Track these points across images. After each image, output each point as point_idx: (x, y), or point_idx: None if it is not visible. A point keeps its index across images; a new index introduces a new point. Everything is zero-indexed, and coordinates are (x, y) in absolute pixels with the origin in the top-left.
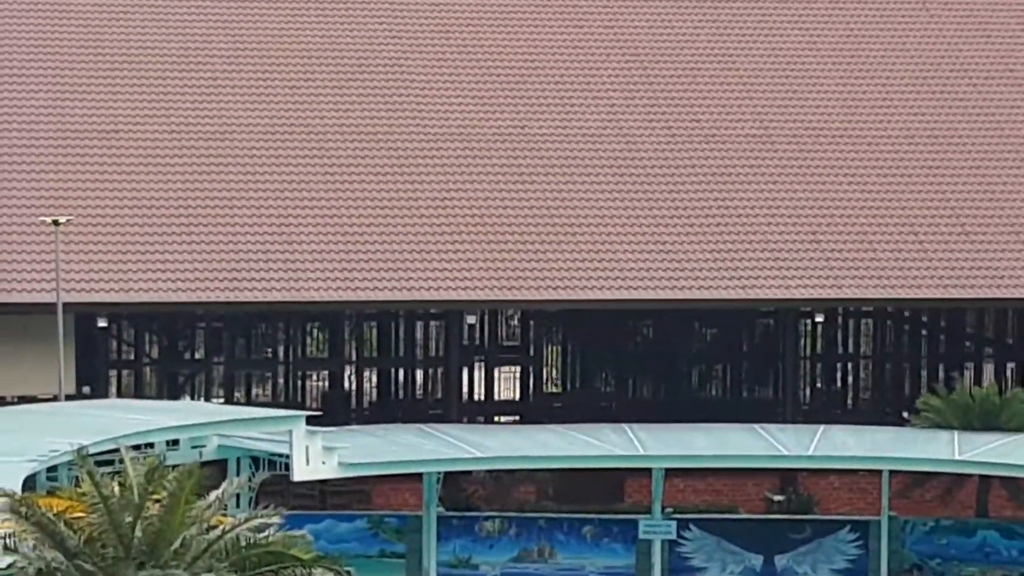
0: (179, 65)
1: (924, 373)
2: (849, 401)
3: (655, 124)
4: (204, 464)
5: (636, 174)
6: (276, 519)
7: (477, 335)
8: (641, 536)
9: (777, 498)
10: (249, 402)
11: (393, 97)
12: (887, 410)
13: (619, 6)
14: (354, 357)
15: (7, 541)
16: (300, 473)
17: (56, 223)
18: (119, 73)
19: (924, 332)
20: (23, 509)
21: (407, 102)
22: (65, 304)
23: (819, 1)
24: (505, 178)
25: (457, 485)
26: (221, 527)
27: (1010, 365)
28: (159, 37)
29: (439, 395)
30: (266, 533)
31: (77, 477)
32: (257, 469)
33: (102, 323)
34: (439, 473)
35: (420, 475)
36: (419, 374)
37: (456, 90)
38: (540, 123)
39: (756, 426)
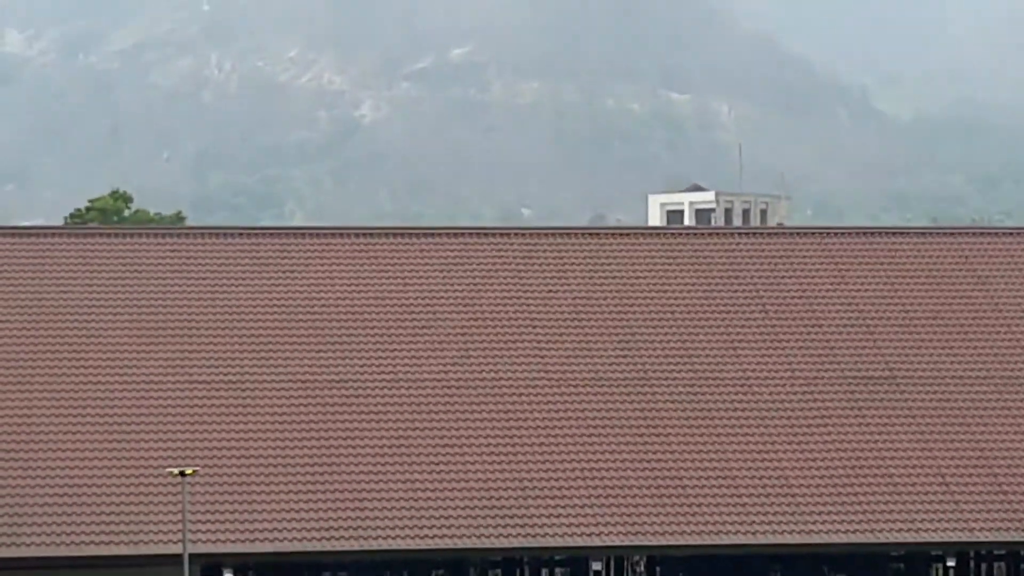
0: (299, 318)
1: None
2: None
3: (774, 364)
4: None
5: (755, 415)
6: None
7: None
8: None
9: None
10: None
11: (513, 348)
12: None
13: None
14: None
15: None
16: None
17: (183, 474)
18: (242, 327)
19: None
20: None
21: (530, 352)
22: (192, 555)
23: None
24: (632, 423)
25: None
26: None
27: None
28: (279, 292)
29: None
30: None
31: None
32: None
33: (228, 574)
34: None
35: None
36: None
37: (564, 340)
38: (663, 367)
39: None
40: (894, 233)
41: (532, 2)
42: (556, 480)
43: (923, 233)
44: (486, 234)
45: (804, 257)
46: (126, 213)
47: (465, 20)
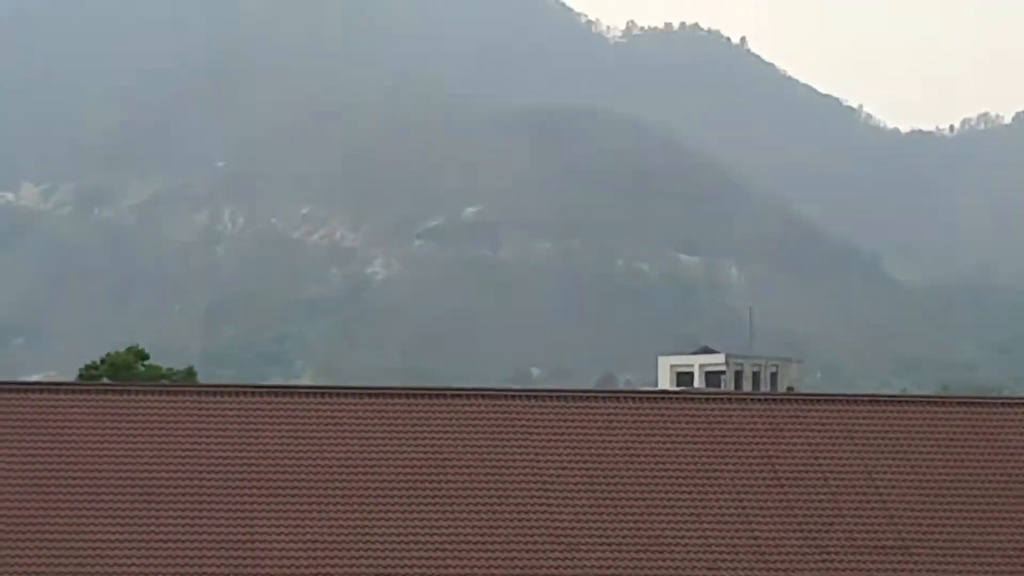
0: (307, 478)
1: None
2: None
3: (786, 532)
4: None
5: None
6: None
7: None
8: None
9: None
10: None
11: (524, 512)
12: None
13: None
14: None
15: None
16: None
17: None
18: (250, 486)
19: None
20: None
21: (540, 515)
22: None
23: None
24: None
25: None
26: None
27: None
28: (286, 451)
29: None
30: None
31: None
32: None
33: None
34: None
35: None
36: None
37: (574, 503)
38: (674, 534)
39: None
40: (905, 401)
41: (544, 163)
42: None
43: (935, 401)
44: (494, 396)
45: (815, 424)
46: (139, 369)
47: (478, 179)
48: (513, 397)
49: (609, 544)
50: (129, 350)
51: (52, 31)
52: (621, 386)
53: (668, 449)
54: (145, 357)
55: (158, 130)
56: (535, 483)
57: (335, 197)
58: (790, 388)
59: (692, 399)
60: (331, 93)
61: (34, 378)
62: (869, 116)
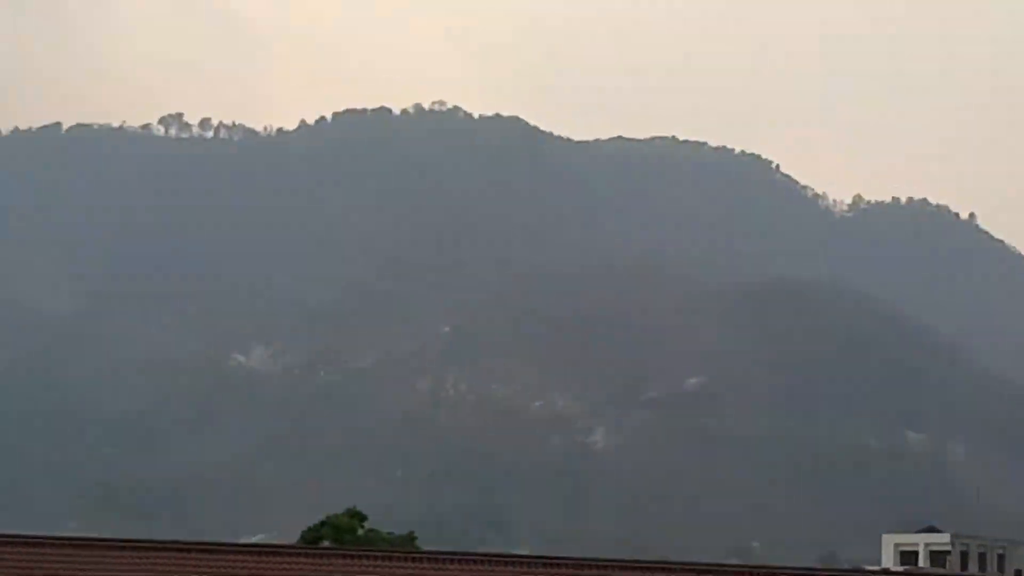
0: None
1: None
2: None
3: None
4: None
5: None
6: None
7: None
8: None
9: None
10: None
11: None
12: None
13: None
14: None
15: None
16: None
17: None
18: None
19: None
20: None
21: None
22: None
23: None
24: None
25: None
26: None
27: None
28: None
29: None
30: None
31: None
32: None
33: None
34: None
35: None
36: None
37: None
38: None
39: None
40: None
41: (767, 335)
42: None
43: None
44: (712, 571)
45: None
46: (359, 532)
47: (699, 350)
48: (732, 574)
49: None
50: (349, 512)
51: (283, 204)
52: (844, 564)
53: None
54: (364, 519)
55: (384, 296)
56: None
57: (556, 365)
58: (1018, 572)
59: None
60: (553, 263)
61: (256, 539)
62: None
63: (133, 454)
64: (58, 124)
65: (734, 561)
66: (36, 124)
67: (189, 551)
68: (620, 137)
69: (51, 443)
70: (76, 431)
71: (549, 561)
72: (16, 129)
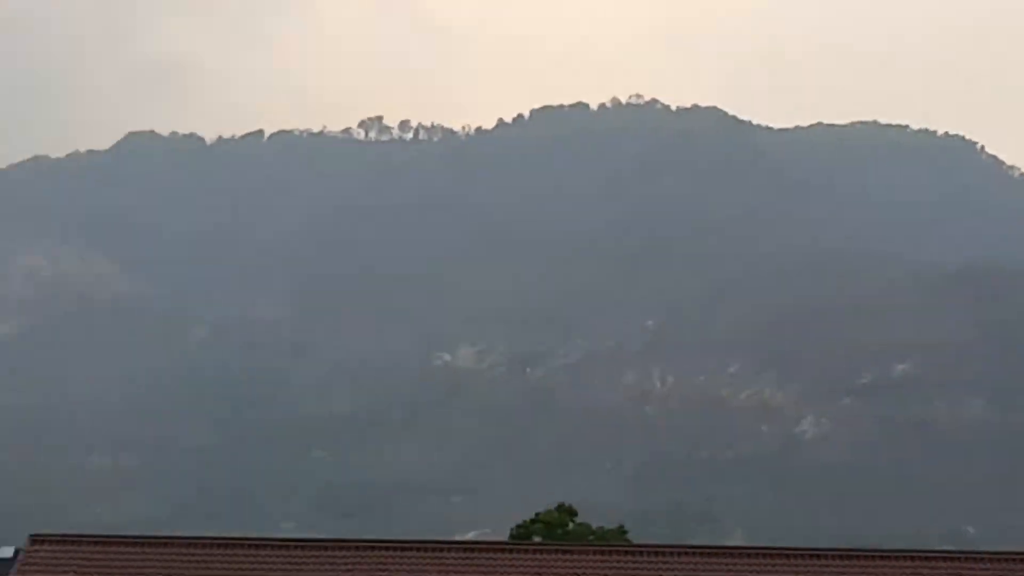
0: None
1: None
2: None
3: None
4: None
5: None
6: None
7: None
8: None
9: None
10: None
11: None
12: None
13: None
14: None
15: None
16: None
17: None
18: None
19: None
20: None
21: None
22: None
23: None
24: None
25: None
26: None
27: None
28: None
29: None
30: None
31: None
32: None
33: None
34: None
35: None
36: None
37: None
38: None
39: None
40: None
41: (977, 320)
42: None
43: None
44: (928, 557)
45: None
46: (570, 526)
47: (908, 337)
48: (948, 559)
49: None
50: (560, 508)
51: (484, 202)
52: None
53: None
54: (574, 514)
55: (588, 292)
56: None
57: (762, 355)
58: None
59: None
60: (756, 251)
61: (470, 535)
62: None
63: (345, 456)
64: (260, 132)
65: (947, 547)
66: (239, 132)
67: (406, 549)
68: (820, 123)
69: (270, 449)
70: (291, 436)
71: (760, 551)
72: (220, 138)
